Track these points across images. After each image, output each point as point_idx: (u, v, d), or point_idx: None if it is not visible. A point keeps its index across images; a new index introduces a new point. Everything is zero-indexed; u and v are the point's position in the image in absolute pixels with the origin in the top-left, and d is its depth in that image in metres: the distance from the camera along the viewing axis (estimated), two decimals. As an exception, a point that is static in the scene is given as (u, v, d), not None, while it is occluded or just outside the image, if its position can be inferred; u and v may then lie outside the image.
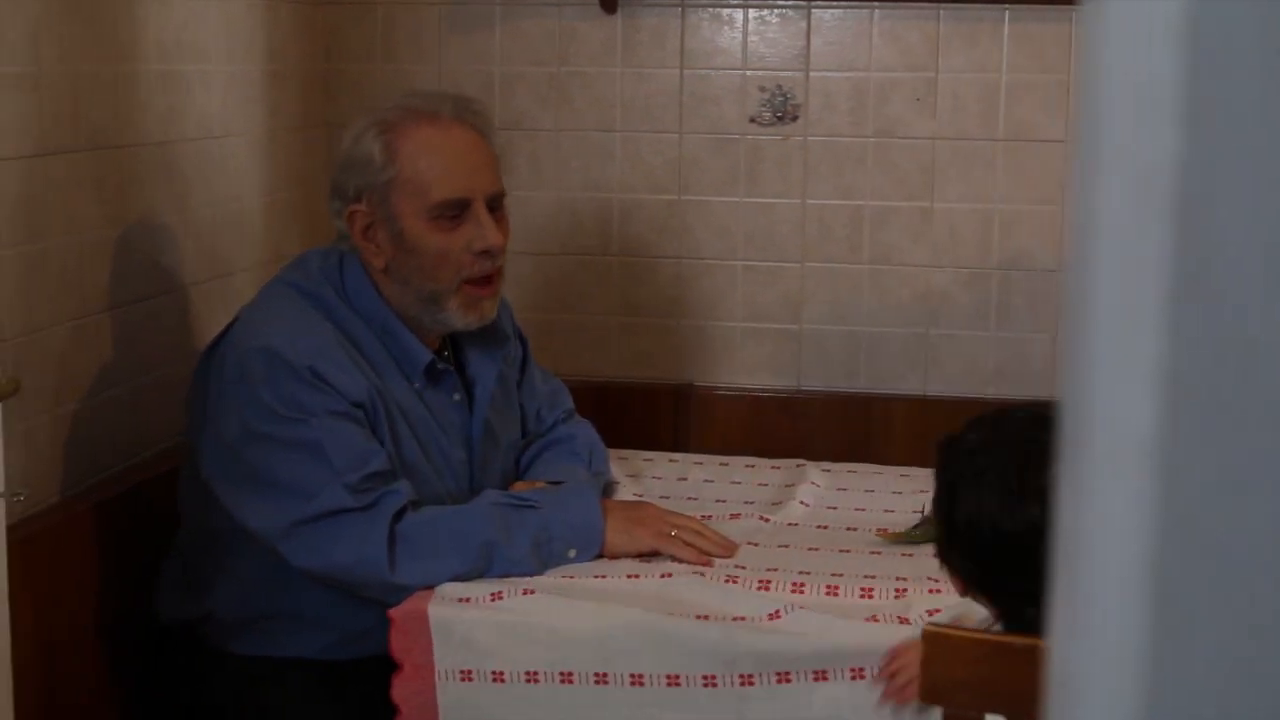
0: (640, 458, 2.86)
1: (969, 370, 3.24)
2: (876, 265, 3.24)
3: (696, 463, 2.87)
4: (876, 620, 2.01)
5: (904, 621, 2.00)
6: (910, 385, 3.27)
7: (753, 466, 2.85)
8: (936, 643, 1.45)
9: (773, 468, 2.84)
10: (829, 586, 2.15)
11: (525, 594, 2.11)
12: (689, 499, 2.54)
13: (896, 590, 2.13)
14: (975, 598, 1.66)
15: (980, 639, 1.45)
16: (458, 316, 2.36)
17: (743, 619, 2.04)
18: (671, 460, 2.88)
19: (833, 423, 3.26)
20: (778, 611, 2.04)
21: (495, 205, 2.38)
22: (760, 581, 2.15)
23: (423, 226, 2.32)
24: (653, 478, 2.75)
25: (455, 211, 2.32)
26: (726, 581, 2.15)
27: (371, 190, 2.33)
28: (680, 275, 3.30)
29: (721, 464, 2.87)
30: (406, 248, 2.33)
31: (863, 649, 1.97)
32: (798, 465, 2.84)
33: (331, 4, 3.31)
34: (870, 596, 2.13)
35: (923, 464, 2.96)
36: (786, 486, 2.71)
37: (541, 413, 2.68)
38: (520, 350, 2.65)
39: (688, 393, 3.31)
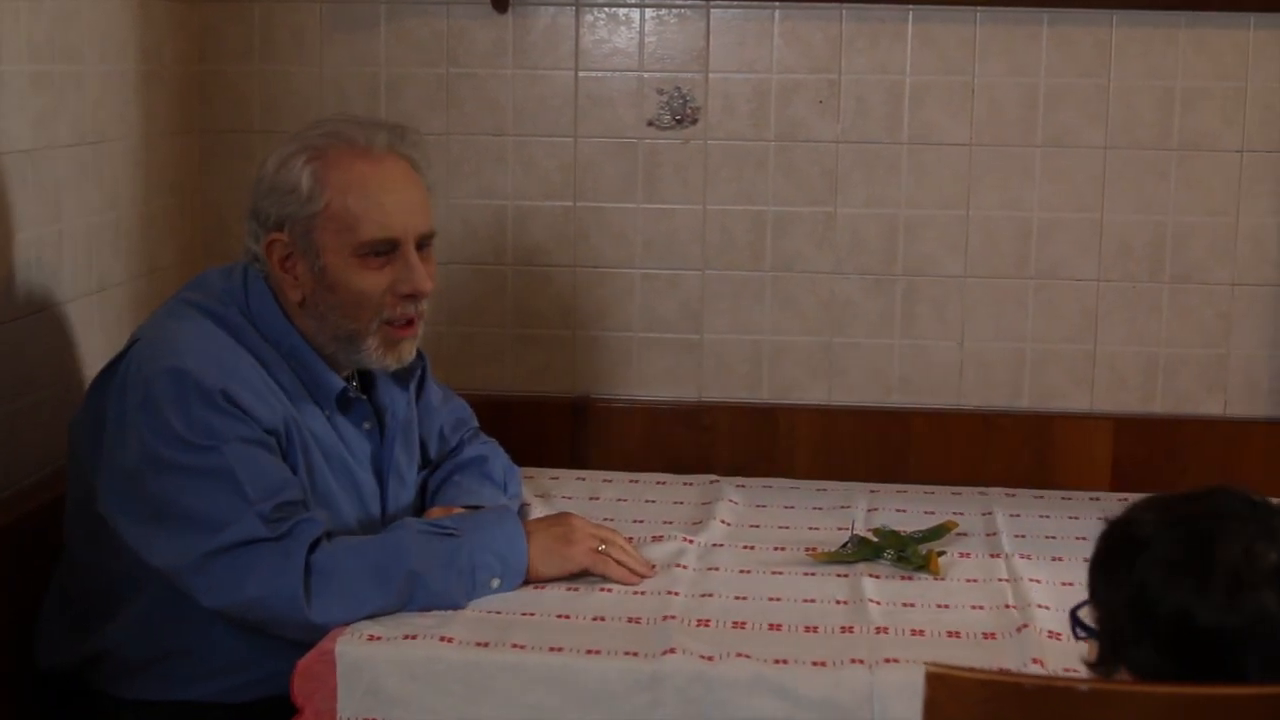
0: (547, 476, 2.76)
1: (874, 379, 3.17)
2: (778, 272, 3.15)
3: (606, 480, 2.77)
4: (825, 665, 1.92)
5: (858, 662, 1.92)
6: (814, 395, 3.19)
7: (664, 484, 2.76)
8: (939, 684, 1.36)
9: (685, 484, 2.76)
10: (772, 624, 2.06)
11: (442, 641, 1.98)
12: (605, 519, 2.43)
13: (842, 627, 2.04)
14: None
15: (986, 679, 1.36)
16: (375, 357, 2.26)
17: (674, 651, 1.93)
18: (579, 478, 2.78)
19: (736, 434, 3.17)
20: (713, 657, 1.93)
21: (423, 244, 2.27)
22: (699, 620, 2.05)
23: (347, 264, 2.19)
24: (562, 497, 2.64)
25: (383, 250, 2.20)
26: (664, 620, 2.04)
27: (295, 221, 2.20)
28: (576, 284, 3.18)
29: (631, 481, 2.77)
30: (327, 284, 2.20)
31: None
32: (711, 481, 2.76)
33: (206, 0, 3.13)
34: (815, 631, 2.04)
35: (829, 475, 2.92)
36: (703, 504, 2.63)
37: (444, 431, 2.56)
38: (420, 367, 2.52)
39: (584, 406, 3.20)
